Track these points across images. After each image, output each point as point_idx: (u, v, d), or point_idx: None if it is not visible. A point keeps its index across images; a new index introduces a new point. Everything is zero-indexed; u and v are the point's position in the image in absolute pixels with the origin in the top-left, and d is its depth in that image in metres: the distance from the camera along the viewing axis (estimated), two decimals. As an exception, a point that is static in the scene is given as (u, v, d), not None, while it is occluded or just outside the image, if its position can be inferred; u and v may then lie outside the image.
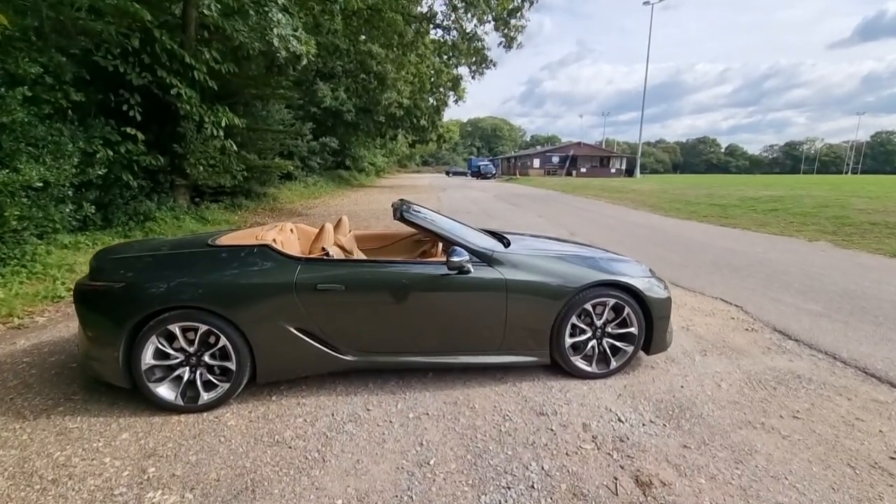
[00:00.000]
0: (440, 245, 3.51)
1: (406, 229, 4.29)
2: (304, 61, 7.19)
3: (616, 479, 2.07)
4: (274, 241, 2.98)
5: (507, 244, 3.24)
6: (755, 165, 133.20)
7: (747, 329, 3.95)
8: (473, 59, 15.54)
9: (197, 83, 8.51)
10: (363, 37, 14.06)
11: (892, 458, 2.20)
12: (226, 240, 2.96)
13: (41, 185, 5.10)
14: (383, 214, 12.83)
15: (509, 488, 2.02)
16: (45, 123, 5.91)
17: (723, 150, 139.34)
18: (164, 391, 2.59)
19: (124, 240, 7.32)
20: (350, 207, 15.22)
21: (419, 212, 3.13)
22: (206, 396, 2.62)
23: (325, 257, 2.85)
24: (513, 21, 13.39)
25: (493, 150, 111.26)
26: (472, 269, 2.77)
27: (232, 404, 2.72)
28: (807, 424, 2.50)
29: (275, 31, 6.29)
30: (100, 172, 6.44)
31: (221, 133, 9.14)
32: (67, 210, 5.93)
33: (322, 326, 2.71)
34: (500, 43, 14.07)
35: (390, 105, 16.21)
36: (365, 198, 19.49)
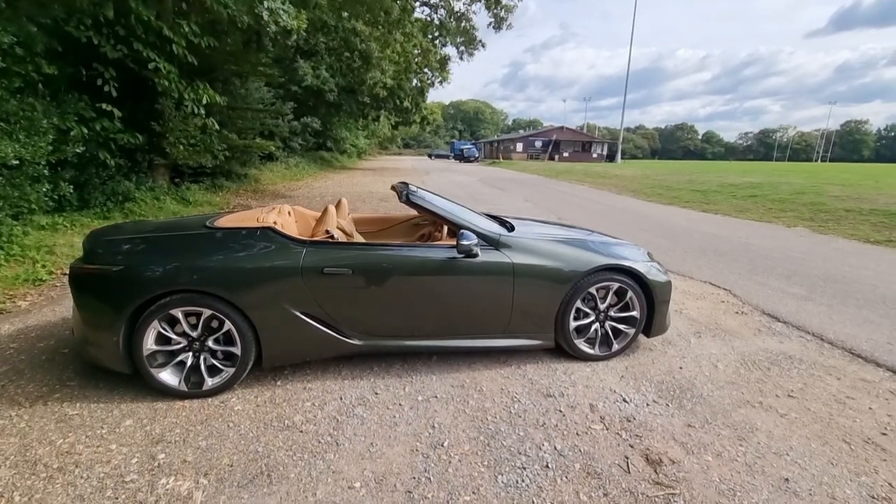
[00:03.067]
0: (444, 229, 3.48)
1: (403, 213, 4.27)
2: (294, 36, 6.91)
3: (627, 458, 2.13)
4: (275, 223, 2.90)
5: (510, 228, 3.24)
6: (730, 152, 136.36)
7: (737, 312, 4.07)
8: (461, 39, 15.25)
9: (175, 57, 8.14)
10: (345, 14, 13.62)
11: (884, 434, 2.32)
12: (225, 222, 2.87)
13: (17, 162, 4.84)
14: (369, 197, 12.67)
15: (524, 468, 2.06)
16: (15, 98, 5.59)
17: (700, 137, 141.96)
18: (167, 376, 2.54)
19: (103, 221, 7.06)
20: (335, 190, 14.96)
21: (424, 195, 3.09)
22: (210, 382, 2.57)
23: (329, 240, 2.80)
24: (504, 0, 13.14)
25: (475, 134, 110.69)
26: (479, 253, 2.76)
27: (237, 389, 2.68)
28: (802, 403, 2.61)
29: (265, 3, 6.00)
30: (78, 150, 6.14)
31: (202, 111, 8.82)
32: (44, 189, 5.66)
33: (328, 310, 2.68)
34: (490, 23, 13.84)
35: (375, 85, 15.83)
36: (349, 180, 19.17)
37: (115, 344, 2.45)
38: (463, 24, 14.72)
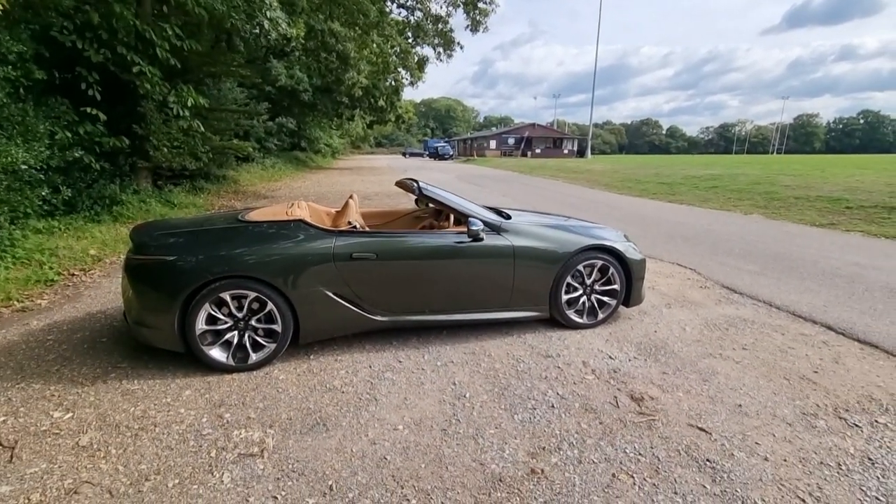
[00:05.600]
0: (451, 218, 3.90)
1: (405, 207, 4.70)
2: (294, 43, 7.16)
3: (616, 397, 2.62)
4: (300, 216, 3.25)
5: (507, 217, 3.68)
6: (693, 146, 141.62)
7: (701, 286, 4.66)
8: (438, 40, 15.65)
9: (157, 60, 8.23)
10: (321, 16, 13.78)
11: (815, 372, 2.89)
12: (256, 216, 3.21)
13: (25, 167, 4.98)
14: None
15: (535, 409, 2.51)
16: (9, 103, 5.67)
17: (664, 132, 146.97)
18: (217, 353, 2.87)
19: (96, 224, 7.13)
20: (315, 189, 15.14)
21: (434, 189, 3.51)
22: (254, 356, 2.92)
23: (354, 230, 3.18)
24: (481, 5, 13.64)
25: (448, 131, 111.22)
26: (485, 238, 3.20)
27: (276, 363, 3.03)
28: (753, 353, 3.16)
29: (267, 13, 6.25)
30: (77, 155, 6.24)
31: (188, 113, 8.92)
32: (43, 194, 5.77)
33: (356, 291, 3.06)
34: (467, 26, 14.31)
35: (354, 85, 16.05)
36: (327, 180, 19.31)
37: (172, 326, 2.77)
38: (440, 27, 15.13)
